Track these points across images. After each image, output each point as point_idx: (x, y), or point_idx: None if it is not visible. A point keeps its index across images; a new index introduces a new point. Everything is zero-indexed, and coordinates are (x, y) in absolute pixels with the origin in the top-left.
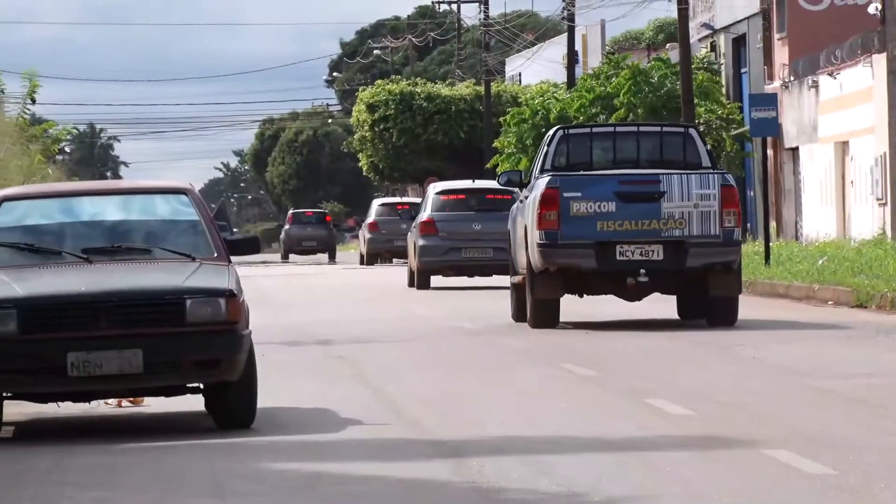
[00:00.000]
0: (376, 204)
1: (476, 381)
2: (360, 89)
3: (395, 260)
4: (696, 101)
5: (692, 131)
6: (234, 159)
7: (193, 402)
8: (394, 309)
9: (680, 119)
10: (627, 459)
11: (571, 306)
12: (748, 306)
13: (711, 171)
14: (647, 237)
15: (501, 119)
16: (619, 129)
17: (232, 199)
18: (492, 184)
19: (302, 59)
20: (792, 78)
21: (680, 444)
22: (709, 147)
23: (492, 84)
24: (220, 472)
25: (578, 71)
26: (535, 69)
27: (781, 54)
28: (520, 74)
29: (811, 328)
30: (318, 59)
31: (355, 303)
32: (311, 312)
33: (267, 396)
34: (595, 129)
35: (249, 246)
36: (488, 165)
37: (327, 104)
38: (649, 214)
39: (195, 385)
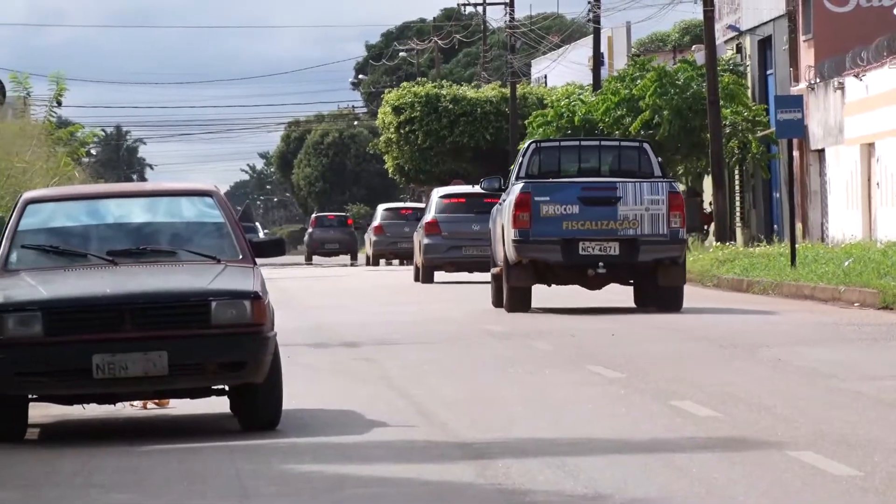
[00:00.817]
0: (381, 209)
1: (500, 379)
2: (385, 91)
3: (394, 261)
4: (721, 102)
5: (646, 145)
6: (260, 161)
7: (218, 404)
8: (413, 308)
9: (706, 121)
10: (653, 462)
11: (575, 297)
12: (772, 307)
13: (661, 179)
14: (605, 235)
15: (527, 121)
16: (583, 142)
17: (258, 202)
18: None
19: (327, 61)
20: (818, 80)
21: (705, 445)
22: (660, 159)
23: (517, 86)
24: (244, 474)
25: (604, 73)
26: (560, 71)
27: (807, 56)
28: (545, 77)
29: (837, 330)
30: (344, 61)
31: (378, 304)
32: (336, 314)
33: (292, 398)
34: (563, 143)
35: (275, 248)
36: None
37: (353, 106)
38: (607, 216)
39: (220, 387)
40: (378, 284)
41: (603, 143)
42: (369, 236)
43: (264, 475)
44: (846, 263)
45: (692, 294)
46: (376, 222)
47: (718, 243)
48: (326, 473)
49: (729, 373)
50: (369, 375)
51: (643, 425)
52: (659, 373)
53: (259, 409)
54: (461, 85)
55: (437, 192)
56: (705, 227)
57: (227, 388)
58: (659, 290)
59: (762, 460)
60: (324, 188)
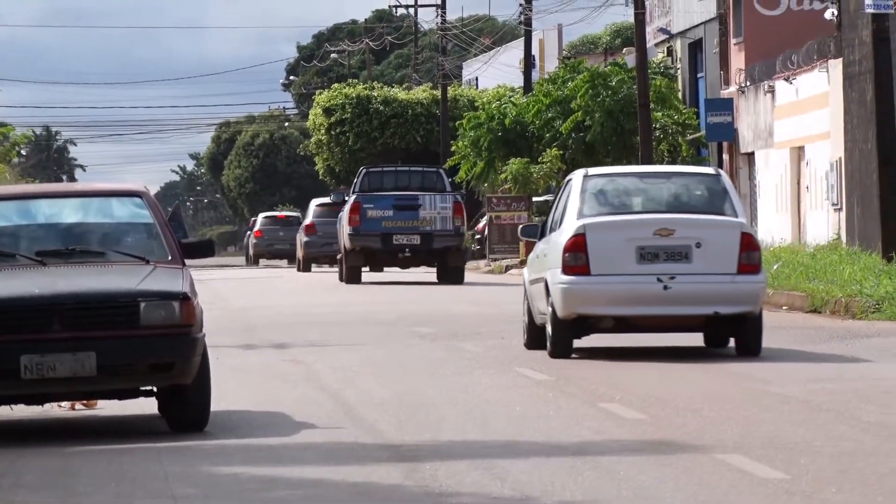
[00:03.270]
0: (314, 204)
1: (428, 381)
2: (316, 93)
3: (325, 265)
4: (652, 105)
5: (441, 170)
6: (191, 162)
7: (147, 405)
8: (343, 309)
9: (636, 124)
10: (580, 464)
11: None
12: None
13: (449, 193)
14: (410, 231)
15: (458, 123)
16: (399, 168)
17: (188, 203)
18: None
19: (260, 62)
20: (748, 83)
21: (633, 448)
22: (451, 179)
23: (449, 88)
24: (173, 476)
25: (535, 75)
26: (491, 73)
27: (738, 59)
28: (477, 79)
29: (766, 333)
30: (276, 62)
31: (309, 305)
32: (266, 315)
33: (221, 400)
34: (385, 168)
35: (204, 249)
36: (448, 164)
37: (284, 108)
38: (412, 217)
39: (149, 388)
40: (309, 285)
41: (412, 168)
42: (300, 236)
43: (193, 477)
44: (775, 267)
45: None
46: (308, 220)
47: None
48: (255, 475)
49: (657, 376)
50: (298, 377)
51: (571, 428)
52: (587, 375)
53: (187, 411)
54: (392, 86)
55: (315, 202)
56: None
57: (155, 389)
58: (448, 269)
59: (690, 463)
60: (254, 189)
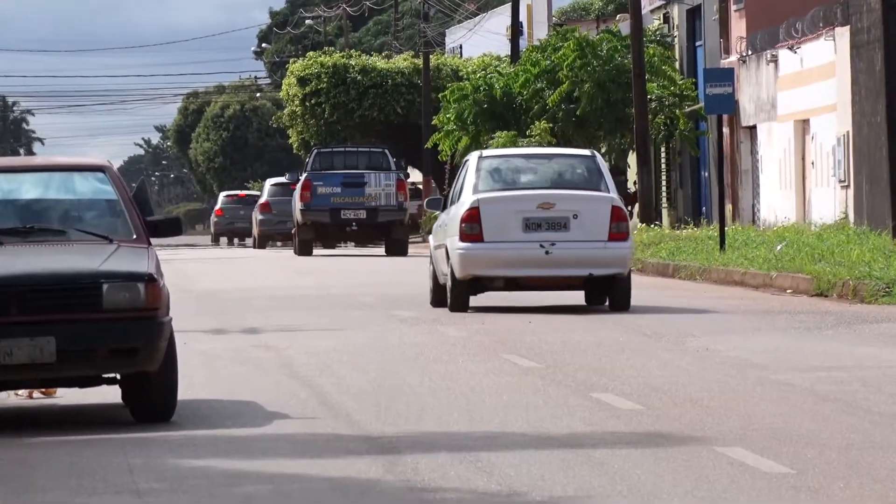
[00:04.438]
0: (269, 183)
1: (409, 368)
2: (290, 61)
3: (278, 243)
4: (647, 76)
5: (386, 151)
6: (156, 135)
7: (109, 394)
8: (317, 291)
9: (630, 94)
10: (571, 457)
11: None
12: (700, 293)
13: (393, 171)
14: (357, 206)
15: (441, 94)
16: (348, 149)
17: (153, 178)
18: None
19: (230, 28)
20: (750, 52)
21: (628, 440)
22: (395, 159)
23: (431, 57)
24: (137, 469)
25: (523, 44)
26: (476, 41)
27: (739, 27)
28: (461, 47)
29: (768, 318)
30: (247, 28)
31: (281, 288)
32: (237, 297)
33: (188, 388)
34: (335, 149)
35: (171, 227)
36: (428, 145)
37: (255, 77)
38: (358, 194)
39: (111, 375)
40: (280, 266)
41: (360, 148)
42: (255, 215)
43: (158, 470)
44: (778, 248)
45: None
46: (263, 198)
47: (643, 225)
48: (224, 468)
49: (653, 363)
50: (271, 364)
51: (562, 418)
52: (578, 363)
53: (153, 400)
54: (371, 55)
55: (269, 181)
56: (629, 207)
57: (118, 376)
58: (393, 241)
59: (688, 456)
60: (223, 164)
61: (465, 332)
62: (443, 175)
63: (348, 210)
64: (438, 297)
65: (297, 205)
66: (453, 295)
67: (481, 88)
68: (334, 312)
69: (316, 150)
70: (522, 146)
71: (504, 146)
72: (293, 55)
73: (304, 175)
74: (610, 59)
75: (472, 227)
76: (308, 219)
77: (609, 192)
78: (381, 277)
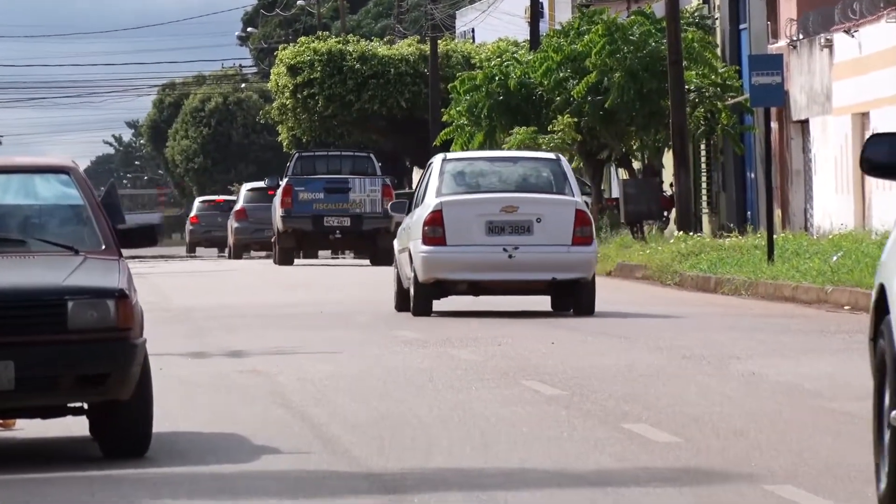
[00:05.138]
0: (245, 189)
1: (415, 397)
2: (279, 48)
3: (254, 253)
4: (685, 63)
5: (371, 155)
6: (128, 132)
7: (76, 426)
8: (310, 308)
9: (666, 85)
10: (600, 497)
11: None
12: (746, 310)
13: (379, 177)
14: (341, 213)
15: (451, 85)
16: (331, 153)
17: (125, 181)
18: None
19: (210, 11)
20: (801, 36)
21: (664, 478)
22: (380, 164)
23: (439, 42)
24: None
25: (544, 27)
26: (491, 24)
27: (788, 7)
28: (473, 31)
29: (823, 338)
30: (231, 10)
31: (268, 305)
32: (219, 316)
33: (165, 419)
34: (317, 153)
35: (144, 236)
36: (436, 142)
37: (240, 66)
38: (342, 200)
39: (78, 405)
40: (266, 279)
41: (343, 153)
42: (231, 222)
43: None
44: (834, 258)
45: (649, 294)
46: (239, 205)
47: (681, 233)
48: None
49: (692, 390)
50: (258, 391)
51: (589, 453)
52: (608, 390)
53: (124, 432)
54: (371, 40)
55: (246, 186)
56: (665, 213)
57: (85, 406)
58: (378, 250)
59: (732, 496)
60: (204, 165)
61: (480, 356)
62: None
63: (331, 217)
64: (402, 301)
65: (278, 211)
66: (416, 299)
67: (496, 78)
68: (329, 332)
69: (297, 154)
70: (544, 144)
71: (522, 144)
72: (283, 41)
73: (285, 180)
74: (643, 44)
75: (434, 230)
76: (289, 226)
77: (573, 195)
78: (376, 292)
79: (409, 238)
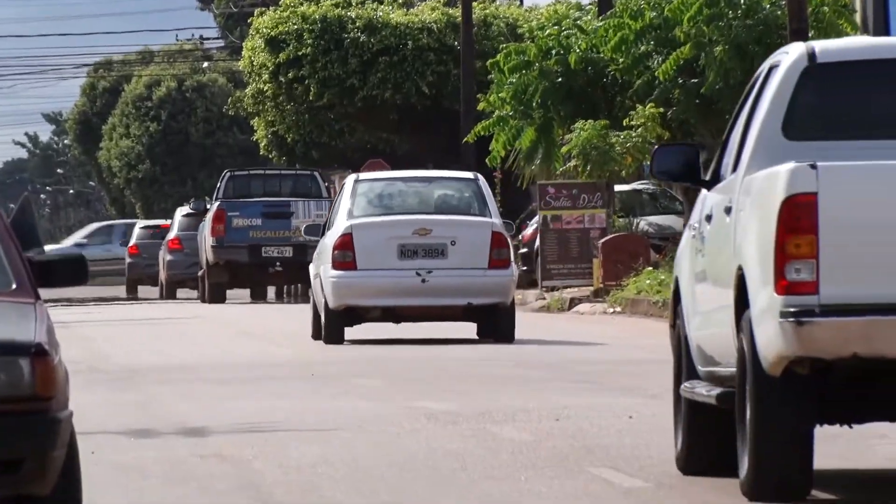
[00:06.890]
0: (180, 214)
1: (442, 492)
2: (255, 13)
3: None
4: (812, 34)
5: (316, 174)
6: (48, 128)
7: None
8: (288, 368)
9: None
10: None
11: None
12: None
13: (325, 199)
14: (282, 242)
15: (490, 62)
16: (268, 171)
17: (43, 195)
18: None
19: None
20: None
21: None
22: (327, 184)
23: (474, 5)
24: None
25: None
26: None
27: None
28: None
29: None
30: None
31: (240, 360)
32: (170, 378)
33: None
34: (252, 172)
35: (72, 271)
36: (468, 138)
37: (201, 38)
38: (283, 227)
39: None
40: (227, 327)
41: (283, 171)
42: (163, 255)
43: None
44: None
45: None
46: (173, 233)
47: None
48: None
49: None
50: (226, 483)
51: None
52: (701, 481)
53: None
54: (382, 3)
55: (180, 211)
56: None
57: None
58: None
59: None
60: (152, 173)
61: (531, 435)
62: (492, 186)
63: (271, 246)
64: (318, 329)
65: (208, 240)
66: (328, 326)
67: (553, 53)
68: (320, 400)
69: (228, 173)
70: (618, 143)
71: (589, 143)
72: (259, 4)
73: (216, 203)
74: (753, 8)
75: (344, 254)
76: (221, 258)
77: (491, 217)
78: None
79: (321, 262)
